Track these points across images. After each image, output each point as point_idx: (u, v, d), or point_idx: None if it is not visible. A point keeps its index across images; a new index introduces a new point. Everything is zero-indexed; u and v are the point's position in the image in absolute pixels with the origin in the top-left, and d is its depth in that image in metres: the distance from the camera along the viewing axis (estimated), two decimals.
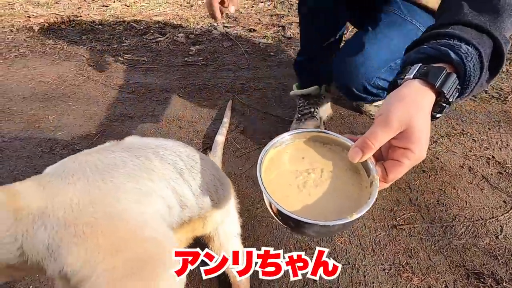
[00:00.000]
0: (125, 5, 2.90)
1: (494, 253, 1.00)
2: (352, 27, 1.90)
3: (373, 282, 0.95)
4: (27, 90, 1.84)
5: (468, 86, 0.46)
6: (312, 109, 1.39)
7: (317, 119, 1.40)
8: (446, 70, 0.45)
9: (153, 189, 0.52)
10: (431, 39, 0.49)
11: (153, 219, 0.50)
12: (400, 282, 0.95)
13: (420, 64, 0.46)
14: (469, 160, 1.31)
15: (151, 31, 2.46)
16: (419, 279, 0.95)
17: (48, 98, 1.77)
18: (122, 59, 2.12)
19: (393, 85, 0.49)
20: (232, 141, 1.46)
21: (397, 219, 1.11)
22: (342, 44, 1.30)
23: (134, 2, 2.93)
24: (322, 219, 0.43)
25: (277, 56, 2.12)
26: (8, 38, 2.37)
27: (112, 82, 1.90)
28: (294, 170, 0.49)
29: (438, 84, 0.44)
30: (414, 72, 0.46)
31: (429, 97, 0.45)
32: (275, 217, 0.46)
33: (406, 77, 0.46)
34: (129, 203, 0.48)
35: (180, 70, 1.99)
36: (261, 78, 1.91)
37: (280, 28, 2.41)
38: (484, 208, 1.14)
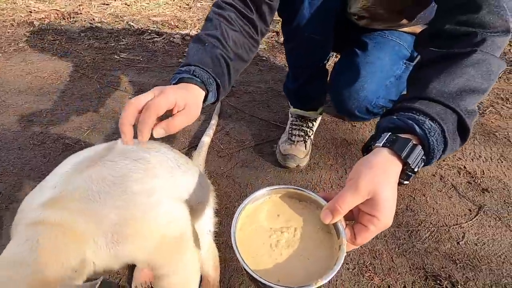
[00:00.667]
0: (126, 4, 2.97)
1: (454, 257, 1.06)
2: None
3: (336, 280, 1.01)
4: (23, 84, 1.90)
5: (432, 158, 0.51)
6: (303, 133, 1.38)
7: (307, 146, 1.37)
8: (412, 142, 0.49)
9: (160, 187, 0.60)
10: (401, 110, 0.54)
11: (174, 208, 0.61)
12: (362, 281, 1.01)
13: (389, 133, 0.51)
14: (441, 169, 1.37)
15: (149, 31, 2.53)
16: (380, 279, 1.01)
17: (43, 93, 1.83)
18: (118, 57, 2.19)
19: (367, 149, 0.54)
20: (216, 142, 1.51)
21: None
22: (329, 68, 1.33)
23: (134, 2, 3.00)
24: (289, 282, 0.45)
25: (269, 61, 2.19)
26: (8, 32, 2.44)
27: (107, 79, 1.96)
28: (269, 228, 0.52)
29: (404, 155, 0.48)
30: (383, 141, 0.50)
31: (396, 167, 0.49)
32: (245, 275, 0.52)
33: (376, 144, 0.51)
34: (150, 204, 0.56)
35: (174, 70, 2.05)
36: (251, 82, 1.97)
37: (274, 33, 2.47)
38: (449, 215, 1.20)
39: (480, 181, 1.32)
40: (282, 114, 1.69)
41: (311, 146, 1.42)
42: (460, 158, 1.43)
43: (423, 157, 0.50)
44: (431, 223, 1.17)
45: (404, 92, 1.19)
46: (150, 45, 2.35)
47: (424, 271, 1.03)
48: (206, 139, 1.45)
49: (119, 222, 0.52)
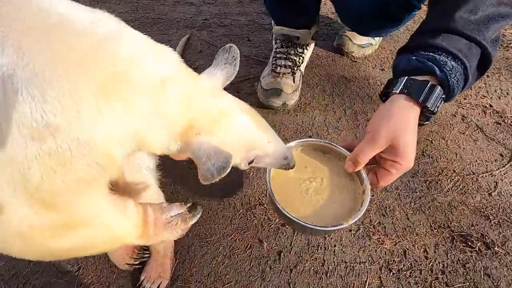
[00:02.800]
0: None
1: (486, 212, 0.82)
2: None
3: (335, 246, 0.76)
4: None
5: (452, 96, 0.52)
6: (291, 62, 1.06)
7: (295, 79, 1.06)
8: (430, 84, 0.49)
9: None
10: (420, 48, 0.53)
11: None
12: (369, 245, 0.76)
13: (406, 78, 0.51)
14: (463, 109, 1.10)
15: None
16: (392, 242, 0.76)
17: None
18: None
19: (385, 95, 0.55)
20: None
21: None
22: None
23: None
24: (320, 224, 0.53)
25: None
26: None
27: None
28: (298, 178, 0.58)
29: (421, 99, 0.49)
30: (400, 87, 0.51)
31: (414, 112, 0.50)
32: (280, 218, 0.60)
33: (393, 91, 0.52)
34: None
35: (132, 2, 1.67)
36: (228, 14, 1.60)
37: None
38: (476, 161, 0.94)
39: (511, 121, 1.06)
40: (266, 49, 1.36)
41: (301, 81, 1.11)
42: (484, 96, 1.15)
43: (442, 97, 0.50)
44: (454, 171, 0.91)
45: None
46: None
47: (450, 230, 0.79)
48: None
49: None
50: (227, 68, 0.51)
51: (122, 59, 0.38)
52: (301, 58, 1.08)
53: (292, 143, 0.60)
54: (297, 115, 1.07)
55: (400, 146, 0.48)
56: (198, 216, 0.54)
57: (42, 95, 0.33)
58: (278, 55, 1.07)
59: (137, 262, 0.68)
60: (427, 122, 0.56)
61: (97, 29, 0.37)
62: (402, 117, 0.49)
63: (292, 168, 0.53)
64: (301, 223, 0.51)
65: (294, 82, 1.05)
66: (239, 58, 0.52)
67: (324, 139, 0.65)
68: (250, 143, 0.48)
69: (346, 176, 0.60)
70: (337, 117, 1.06)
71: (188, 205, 0.54)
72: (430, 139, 1.00)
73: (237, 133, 0.46)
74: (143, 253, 0.69)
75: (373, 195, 0.83)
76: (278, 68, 1.06)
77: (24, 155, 0.34)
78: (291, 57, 1.06)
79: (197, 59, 1.30)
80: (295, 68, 1.06)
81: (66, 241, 0.43)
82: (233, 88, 1.16)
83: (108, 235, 0.48)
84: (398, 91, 0.51)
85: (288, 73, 1.05)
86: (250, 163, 0.49)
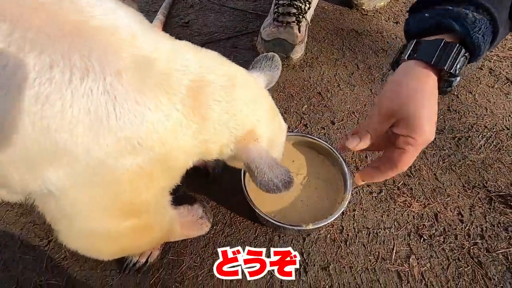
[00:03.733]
0: None
1: None
2: None
3: (354, 210, 0.64)
4: None
5: (479, 54, 0.42)
6: (296, 10, 0.92)
7: (301, 29, 0.93)
8: (443, 41, 0.41)
9: None
10: (434, 3, 0.44)
11: None
12: (395, 209, 0.65)
13: (415, 41, 0.43)
14: (490, 62, 0.97)
15: None
16: (421, 205, 0.66)
17: None
18: None
19: (396, 64, 0.47)
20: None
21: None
22: None
23: None
24: (282, 221, 0.55)
25: None
26: None
27: None
28: None
29: (433, 62, 0.41)
30: (408, 52, 0.43)
31: (427, 77, 0.41)
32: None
33: (402, 58, 0.44)
34: None
35: None
36: None
37: None
38: (510, 115, 0.82)
39: None
40: (265, 3, 1.21)
41: (307, 32, 0.97)
42: None
43: (465, 55, 0.41)
44: (485, 127, 0.80)
45: None
46: None
47: (486, 190, 0.68)
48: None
49: None
50: (269, 74, 0.53)
51: (194, 69, 0.38)
52: (308, 3, 0.93)
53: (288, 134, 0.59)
54: (303, 71, 0.94)
55: (410, 117, 0.40)
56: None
57: (135, 110, 0.33)
58: (281, 2, 0.93)
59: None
60: (451, 88, 0.42)
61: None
62: (410, 85, 0.41)
63: None
64: (261, 214, 0.54)
65: (299, 32, 0.91)
66: (281, 67, 0.54)
67: (330, 144, 0.63)
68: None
69: (331, 183, 0.60)
70: (349, 72, 0.93)
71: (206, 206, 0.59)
72: (455, 93, 0.88)
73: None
74: None
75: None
76: (281, 16, 0.91)
77: (119, 169, 0.34)
78: (296, 3, 0.92)
79: (188, 14, 1.15)
80: (301, 16, 0.92)
81: (143, 240, 0.47)
82: (230, 44, 1.03)
83: (163, 236, 0.52)
84: (406, 57, 0.43)
85: (293, 21, 0.91)
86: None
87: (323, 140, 0.63)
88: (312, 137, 0.63)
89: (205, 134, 0.39)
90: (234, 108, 0.40)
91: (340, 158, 0.60)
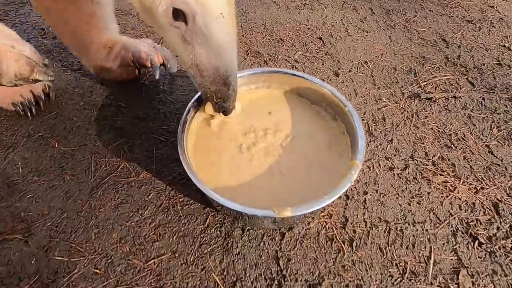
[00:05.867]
0: None
1: None
2: None
3: (366, 193, 0.41)
4: None
5: None
6: None
7: None
8: None
9: None
10: None
11: None
12: (429, 194, 0.42)
13: None
14: None
15: None
16: (470, 189, 0.42)
17: None
18: None
19: None
20: None
21: (422, 85, 0.55)
22: None
23: None
24: (247, 200, 0.33)
25: None
26: None
27: None
28: (249, 125, 0.39)
29: None
30: None
31: None
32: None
33: None
34: None
35: None
36: None
37: None
38: None
39: None
40: None
41: None
42: None
43: None
44: None
45: None
46: None
47: None
48: None
49: None
50: None
51: None
52: None
53: (259, 70, 0.41)
54: (299, 13, 0.70)
55: None
56: (50, 78, 0.46)
57: None
58: None
59: (22, 111, 0.54)
60: None
61: None
62: None
63: (226, 114, 0.36)
64: (209, 194, 0.32)
65: None
66: None
67: (328, 85, 0.40)
68: None
69: (330, 146, 0.38)
70: (360, 17, 0.70)
71: (46, 61, 0.46)
72: (506, 44, 0.64)
73: None
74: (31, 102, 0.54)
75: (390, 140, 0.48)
76: None
77: None
78: None
79: None
80: None
81: None
82: None
83: None
84: None
85: None
86: (175, 16, 0.31)
87: (319, 80, 0.40)
88: (303, 74, 0.40)
89: None
90: None
91: (348, 107, 0.38)
